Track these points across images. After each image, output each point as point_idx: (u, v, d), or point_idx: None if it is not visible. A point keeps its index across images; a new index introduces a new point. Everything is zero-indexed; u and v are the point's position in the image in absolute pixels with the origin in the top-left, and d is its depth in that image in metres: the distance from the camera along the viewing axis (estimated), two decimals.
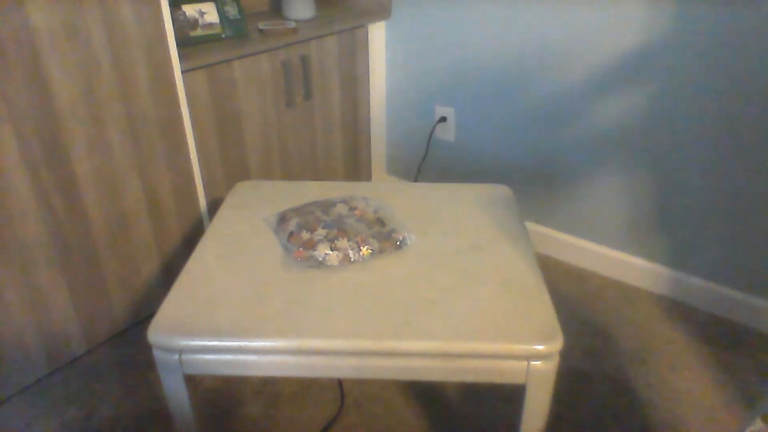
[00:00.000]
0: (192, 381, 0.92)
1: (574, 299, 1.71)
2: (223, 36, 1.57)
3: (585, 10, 1.51)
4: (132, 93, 1.32)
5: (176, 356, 0.87)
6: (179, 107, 1.42)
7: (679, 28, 1.39)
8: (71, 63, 1.20)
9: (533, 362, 0.84)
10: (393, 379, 1.35)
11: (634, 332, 1.52)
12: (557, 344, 0.84)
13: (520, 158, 1.83)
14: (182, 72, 1.39)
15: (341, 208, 1.14)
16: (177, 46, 1.36)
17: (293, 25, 1.69)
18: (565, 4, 1.54)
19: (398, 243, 1.06)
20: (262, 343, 0.86)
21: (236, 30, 1.60)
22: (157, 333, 0.86)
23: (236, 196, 1.26)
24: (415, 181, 1.37)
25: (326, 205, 1.15)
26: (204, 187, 1.57)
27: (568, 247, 1.86)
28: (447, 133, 1.98)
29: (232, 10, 1.60)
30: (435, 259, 1.02)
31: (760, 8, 1.26)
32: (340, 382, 1.38)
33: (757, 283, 1.50)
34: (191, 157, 1.50)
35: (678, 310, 1.61)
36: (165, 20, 1.32)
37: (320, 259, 1.01)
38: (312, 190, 1.28)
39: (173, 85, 1.39)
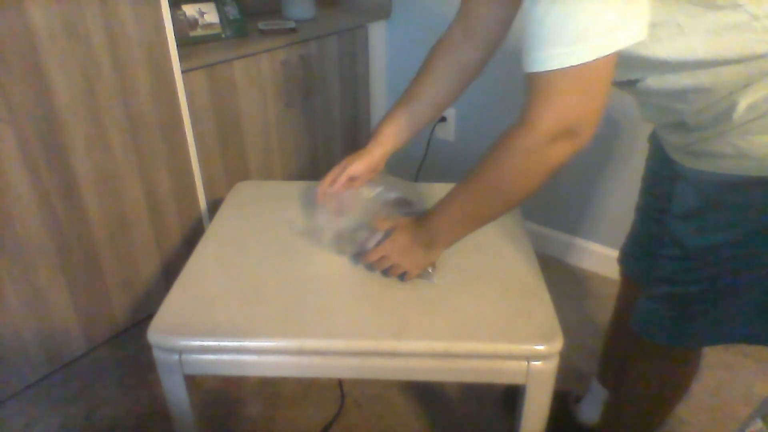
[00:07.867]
0: (192, 381, 0.91)
1: (574, 299, 1.70)
2: (223, 36, 1.57)
3: None
4: (132, 93, 1.32)
5: (176, 356, 0.86)
6: (179, 107, 1.42)
7: None
8: (71, 63, 1.20)
9: (533, 362, 0.84)
10: (393, 379, 1.35)
11: None
12: (557, 344, 0.84)
13: None
14: (182, 72, 1.39)
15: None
16: (177, 46, 1.36)
17: (293, 25, 1.69)
18: None
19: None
20: (262, 343, 0.86)
21: (236, 30, 1.60)
22: (157, 333, 0.86)
23: (236, 196, 1.26)
24: (415, 181, 1.38)
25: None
26: (204, 187, 1.56)
27: (568, 247, 1.85)
28: (447, 133, 1.98)
29: (232, 10, 1.60)
30: None
31: None
32: (340, 382, 1.38)
33: None
34: (191, 157, 1.50)
35: None
36: (165, 20, 1.32)
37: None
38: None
39: (173, 85, 1.39)
